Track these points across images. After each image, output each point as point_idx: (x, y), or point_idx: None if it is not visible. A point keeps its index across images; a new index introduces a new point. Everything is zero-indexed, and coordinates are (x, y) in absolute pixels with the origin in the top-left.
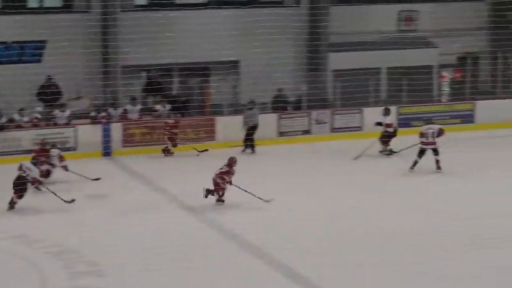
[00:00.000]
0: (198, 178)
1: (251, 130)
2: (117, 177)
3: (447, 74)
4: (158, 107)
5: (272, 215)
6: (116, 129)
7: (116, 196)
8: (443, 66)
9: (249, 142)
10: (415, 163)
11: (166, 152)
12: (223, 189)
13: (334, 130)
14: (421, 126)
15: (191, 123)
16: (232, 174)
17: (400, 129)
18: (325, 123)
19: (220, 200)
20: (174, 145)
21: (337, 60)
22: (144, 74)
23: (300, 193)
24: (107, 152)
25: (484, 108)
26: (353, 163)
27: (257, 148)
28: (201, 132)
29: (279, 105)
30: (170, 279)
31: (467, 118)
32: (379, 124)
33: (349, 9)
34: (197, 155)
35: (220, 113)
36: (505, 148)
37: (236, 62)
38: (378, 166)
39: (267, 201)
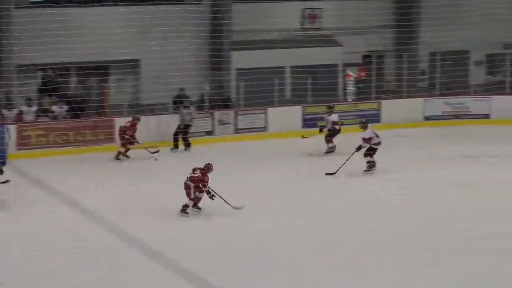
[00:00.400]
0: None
1: (185, 128)
2: (13, 181)
3: (352, 73)
4: (54, 108)
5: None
6: (11, 131)
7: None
8: (348, 65)
9: (183, 141)
10: (372, 163)
11: (122, 155)
12: (198, 197)
13: (238, 131)
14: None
15: (89, 124)
16: (207, 182)
17: (305, 130)
18: (228, 123)
19: (196, 207)
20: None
21: (240, 59)
22: (39, 73)
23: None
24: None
25: (389, 107)
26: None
27: (160, 150)
28: (100, 133)
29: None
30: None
31: (373, 118)
32: (323, 127)
33: (252, 6)
34: (151, 156)
35: (120, 114)
36: (410, 146)
37: (137, 61)
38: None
39: (239, 208)
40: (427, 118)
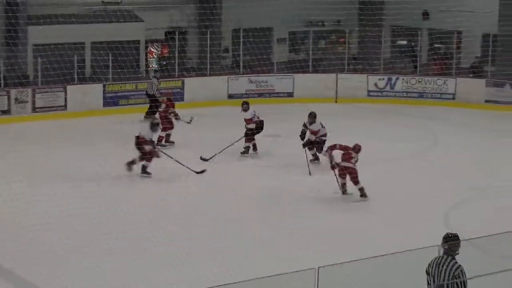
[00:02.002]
0: None
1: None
2: None
3: (154, 50)
4: None
5: None
6: None
7: None
8: (150, 41)
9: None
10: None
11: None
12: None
13: (36, 110)
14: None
15: None
16: None
17: (107, 108)
18: (25, 102)
19: None
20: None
21: (37, 34)
22: None
23: None
24: None
25: (193, 85)
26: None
27: None
28: None
29: None
30: None
31: (176, 96)
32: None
33: None
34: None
35: None
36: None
37: None
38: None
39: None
40: (230, 97)
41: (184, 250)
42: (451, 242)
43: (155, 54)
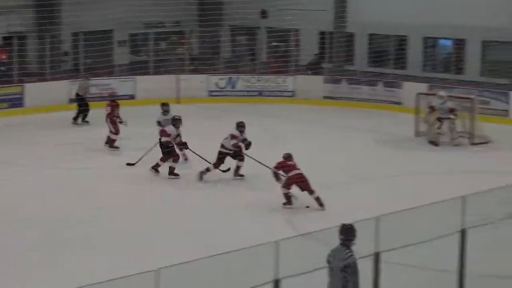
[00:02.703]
0: None
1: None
2: None
3: None
4: None
5: None
6: None
7: None
8: None
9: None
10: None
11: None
12: None
13: None
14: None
15: None
16: None
17: None
18: None
19: None
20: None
21: None
22: None
23: None
24: None
25: (33, 90)
26: None
27: None
28: None
29: None
30: None
31: (16, 102)
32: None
33: None
34: None
35: None
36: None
37: None
38: None
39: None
40: (72, 101)
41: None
42: (347, 232)
43: None
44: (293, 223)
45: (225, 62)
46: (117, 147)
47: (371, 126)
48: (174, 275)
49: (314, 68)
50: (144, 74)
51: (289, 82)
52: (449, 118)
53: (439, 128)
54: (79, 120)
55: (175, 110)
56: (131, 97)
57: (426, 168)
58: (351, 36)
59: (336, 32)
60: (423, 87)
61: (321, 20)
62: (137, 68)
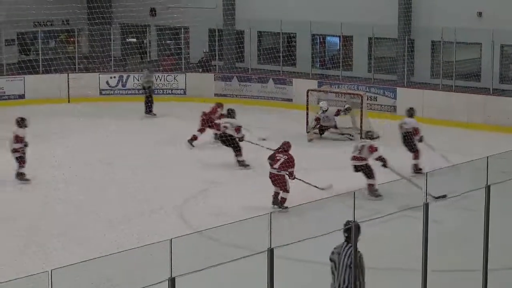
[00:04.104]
0: None
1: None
2: None
3: None
4: None
5: None
6: None
7: None
8: None
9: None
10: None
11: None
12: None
13: None
14: None
15: None
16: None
17: None
18: None
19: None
20: None
21: None
22: None
23: None
24: None
25: None
26: None
27: None
28: None
29: None
30: None
31: None
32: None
33: None
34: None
35: None
36: None
37: None
38: None
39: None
40: None
41: None
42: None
43: None
44: (187, 221)
45: (116, 60)
46: None
47: (262, 123)
48: (64, 277)
49: (204, 66)
50: (33, 73)
51: (180, 80)
52: (334, 127)
53: (314, 128)
54: None
55: (65, 109)
56: (20, 96)
57: (318, 164)
58: (240, 33)
59: (225, 30)
60: (313, 83)
61: (210, 18)
62: (26, 67)
